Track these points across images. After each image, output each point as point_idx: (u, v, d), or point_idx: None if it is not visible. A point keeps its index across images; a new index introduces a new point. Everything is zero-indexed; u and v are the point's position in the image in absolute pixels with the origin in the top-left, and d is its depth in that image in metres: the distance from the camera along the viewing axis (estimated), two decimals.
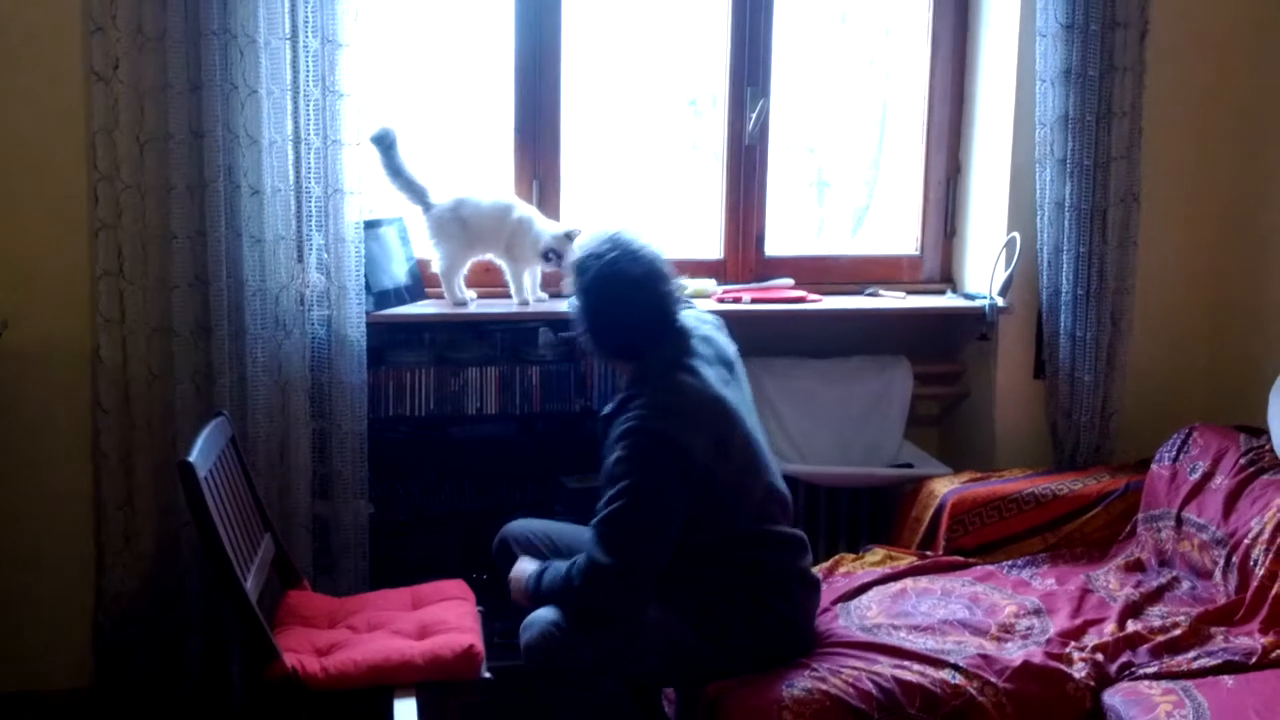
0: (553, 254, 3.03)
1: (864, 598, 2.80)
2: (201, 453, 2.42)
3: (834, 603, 2.78)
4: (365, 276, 2.94)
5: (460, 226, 3.05)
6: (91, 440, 2.90)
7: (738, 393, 2.59)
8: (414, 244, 3.18)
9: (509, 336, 3.22)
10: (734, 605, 2.47)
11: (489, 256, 3.13)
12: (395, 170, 3.00)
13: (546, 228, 3.07)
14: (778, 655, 2.47)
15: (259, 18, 2.76)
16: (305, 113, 2.84)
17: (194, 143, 2.80)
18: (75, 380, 2.90)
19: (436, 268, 3.09)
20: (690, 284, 3.24)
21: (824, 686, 2.35)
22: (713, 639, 2.45)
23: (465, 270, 3.10)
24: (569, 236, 3.01)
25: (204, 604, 2.92)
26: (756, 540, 2.52)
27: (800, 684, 2.36)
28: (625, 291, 2.47)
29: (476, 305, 3.13)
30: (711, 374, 2.52)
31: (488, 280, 3.20)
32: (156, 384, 2.89)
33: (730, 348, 2.68)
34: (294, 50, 2.82)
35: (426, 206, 3.05)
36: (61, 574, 2.96)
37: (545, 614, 2.40)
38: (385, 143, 2.97)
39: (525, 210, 3.10)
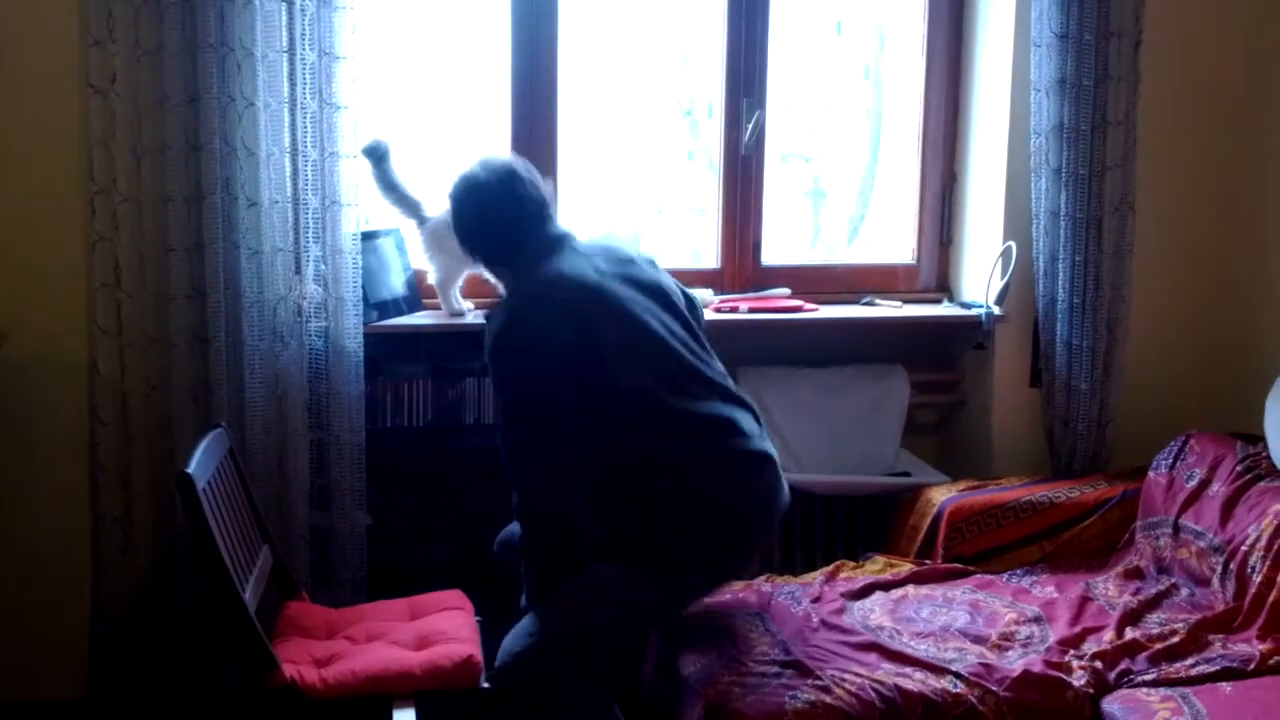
0: None
1: (868, 600, 2.81)
2: (200, 464, 2.42)
3: (841, 597, 2.79)
4: (363, 288, 2.95)
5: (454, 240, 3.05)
6: (89, 452, 2.90)
7: (645, 300, 2.52)
8: (411, 255, 3.19)
9: None
10: (669, 520, 2.42)
11: (481, 270, 3.13)
12: (388, 184, 3.00)
13: None
14: (739, 546, 2.46)
15: (256, 31, 2.77)
16: (302, 125, 2.85)
17: (191, 155, 2.81)
18: (72, 392, 2.90)
19: (432, 279, 3.10)
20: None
21: (827, 699, 2.35)
22: (663, 568, 2.40)
23: (461, 282, 3.11)
24: None
25: (202, 615, 2.92)
26: (675, 429, 2.44)
27: (803, 695, 2.36)
28: (481, 194, 2.57)
29: (474, 315, 3.13)
30: (587, 266, 2.50)
31: (484, 291, 3.20)
32: (154, 396, 2.89)
33: (664, 279, 2.64)
34: (291, 63, 2.83)
35: (421, 220, 3.05)
36: (59, 585, 2.96)
37: (516, 631, 2.39)
38: (377, 155, 2.97)
39: None
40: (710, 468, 2.46)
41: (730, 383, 2.60)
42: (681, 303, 2.64)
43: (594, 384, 2.39)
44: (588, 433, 2.40)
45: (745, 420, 2.54)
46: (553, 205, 2.63)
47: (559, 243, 2.56)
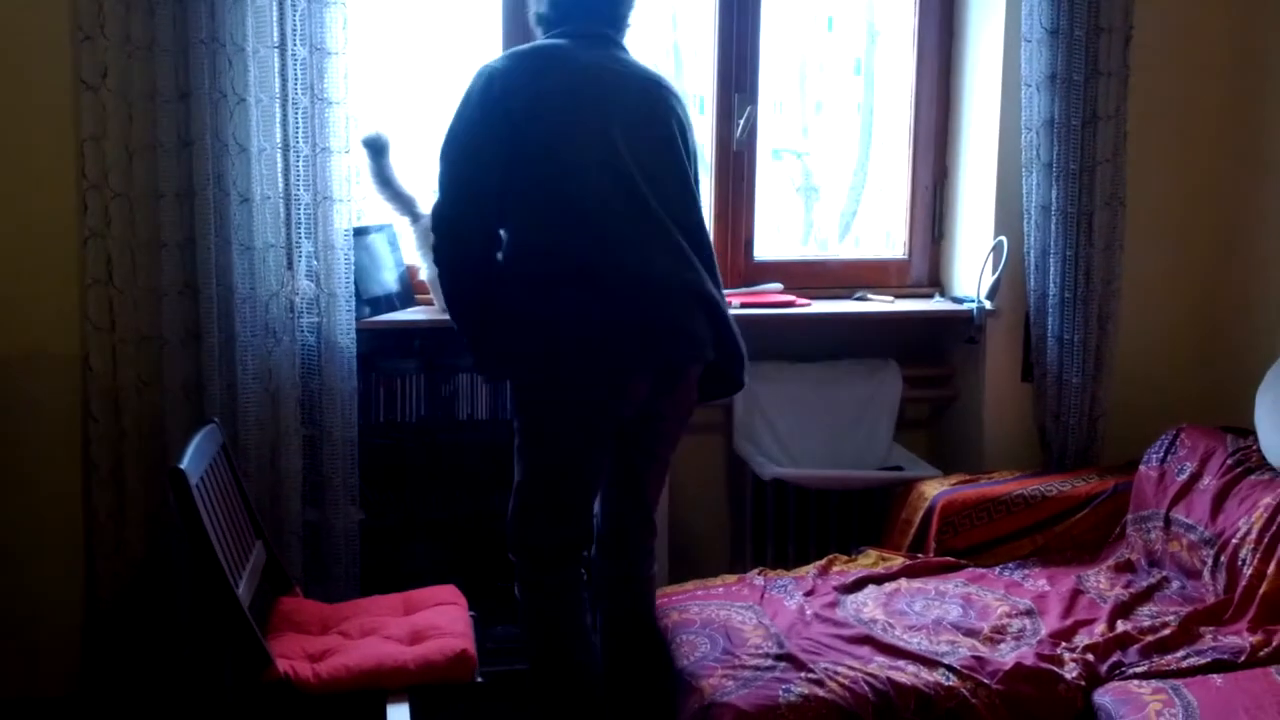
0: None
1: (861, 594, 2.82)
2: (192, 460, 2.42)
3: (834, 590, 2.81)
4: (355, 283, 2.95)
5: None
6: (81, 448, 2.90)
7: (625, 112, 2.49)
8: (403, 251, 3.19)
9: None
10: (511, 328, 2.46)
11: None
12: (384, 179, 2.99)
13: None
14: (579, 359, 2.43)
15: (247, 26, 2.76)
16: (294, 120, 2.85)
17: (183, 151, 2.81)
18: (65, 389, 2.89)
19: (424, 276, 3.10)
20: None
21: (820, 692, 2.36)
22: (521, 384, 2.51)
23: None
24: None
25: (195, 611, 2.91)
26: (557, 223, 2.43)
27: (797, 689, 2.37)
28: None
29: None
30: (579, 48, 2.49)
31: None
32: (146, 392, 2.89)
33: (682, 113, 2.58)
34: (283, 58, 2.83)
35: (414, 217, 3.05)
36: (52, 582, 2.96)
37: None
38: (376, 147, 2.97)
39: None
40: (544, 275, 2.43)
41: (684, 239, 2.49)
42: (683, 145, 2.55)
43: (516, 127, 2.40)
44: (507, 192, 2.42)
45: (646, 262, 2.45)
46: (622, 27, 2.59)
47: (597, 38, 2.53)
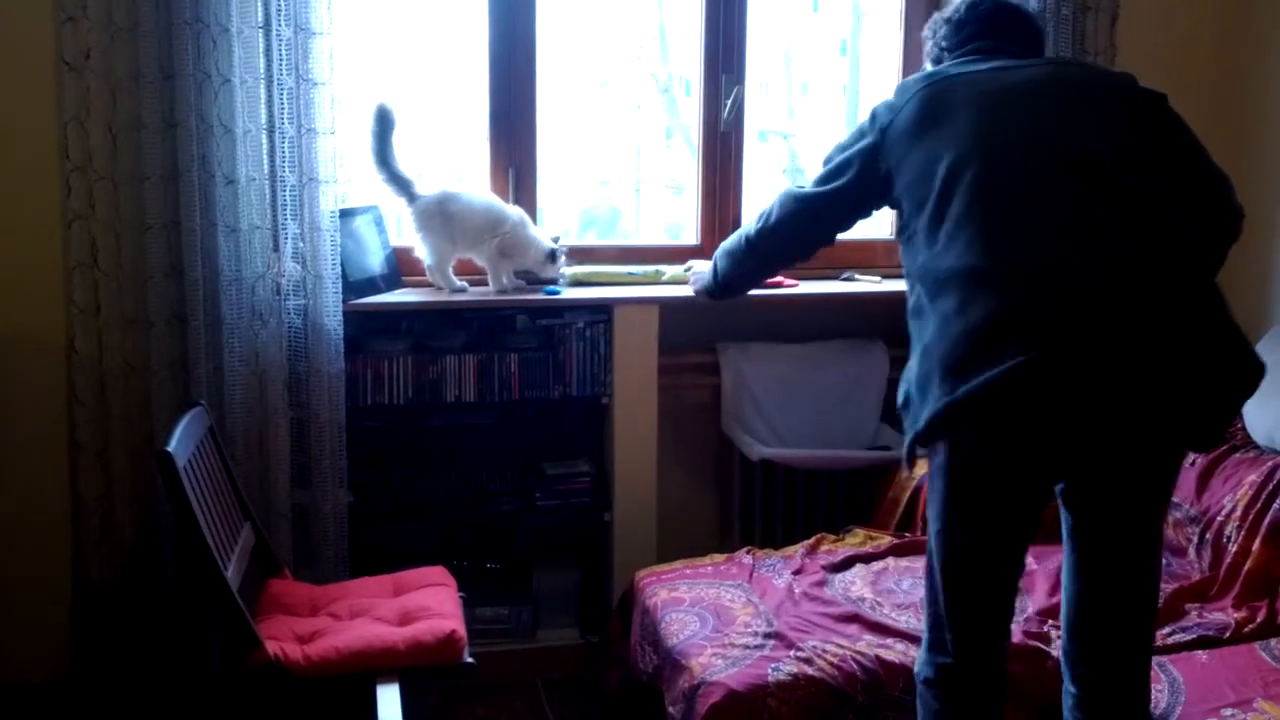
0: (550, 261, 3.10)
1: (849, 573, 2.83)
2: (180, 443, 2.41)
3: (822, 569, 2.81)
4: (341, 265, 2.94)
5: (445, 221, 3.05)
6: (68, 432, 2.88)
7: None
8: (390, 232, 3.18)
9: (487, 324, 3.22)
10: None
11: (470, 256, 3.13)
12: (383, 158, 2.99)
13: (539, 236, 3.12)
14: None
15: (231, 6, 2.74)
16: (279, 101, 2.83)
17: (167, 132, 2.79)
18: (50, 373, 2.88)
19: (424, 259, 3.10)
20: (667, 270, 3.25)
21: (809, 670, 2.37)
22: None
23: (453, 261, 3.11)
24: (556, 253, 3.11)
25: (184, 594, 2.91)
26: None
27: (785, 668, 2.38)
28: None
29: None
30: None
31: (461, 268, 3.20)
32: (133, 375, 2.87)
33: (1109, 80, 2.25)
34: (267, 39, 2.81)
35: (411, 198, 3.04)
36: (40, 566, 2.94)
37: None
38: (384, 121, 2.96)
39: (518, 214, 3.13)
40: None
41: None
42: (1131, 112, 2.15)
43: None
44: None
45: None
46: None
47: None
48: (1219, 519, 2.77)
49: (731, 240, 2.68)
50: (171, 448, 2.35)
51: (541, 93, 3.27)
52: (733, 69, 3.37)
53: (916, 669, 2.16)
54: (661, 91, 3.70)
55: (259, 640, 2.37)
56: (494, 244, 3.08)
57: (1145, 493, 2.06)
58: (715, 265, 2.75)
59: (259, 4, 2.78)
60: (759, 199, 3.56)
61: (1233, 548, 2.71)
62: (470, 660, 2.52)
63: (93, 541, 2.89)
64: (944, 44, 2.35)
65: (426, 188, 3.06)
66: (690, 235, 3.48)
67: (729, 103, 3.36)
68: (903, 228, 2.16)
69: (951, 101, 2.12)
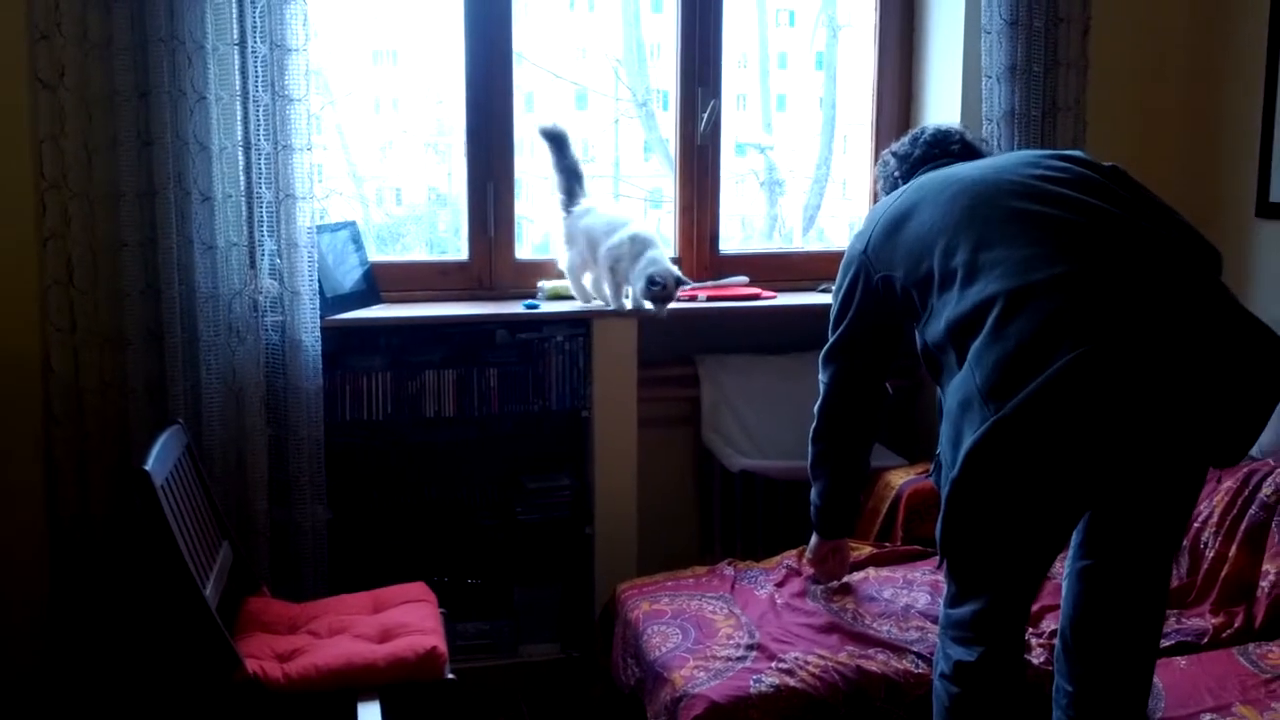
0: (657, 286, 3.02)
1: (830, 583, 2.82)
2: (157, 461, 2.40)
3: (803, 580, 2.81)
4: (319, 281, 2.93)
5: (580, 233, 3.11)
6: (45, 451, 2.86)
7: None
8: (368, 248, 3.18)
9: (466, 338, 3.21)
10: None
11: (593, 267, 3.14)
12: (567, 168, 3.11)
13: (652, 262, 3.05)
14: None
15: (207, 23, 2.74)
16: (255, 118, 2.83)
17: (143, 150, 2.78)
18: (26, 391, 2.86)
19: (561, 265, 3.18)
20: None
21: (791, 682, 2.37)
22: None
23: (585, 274, 3.16)
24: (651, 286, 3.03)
25: (162, 612, 2.89)
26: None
27: (767, 679, 2.37)
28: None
29: (428, 308, 3.13)
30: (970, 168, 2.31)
31: (443, 283, 3.19)
32: (109, 393, 2.86)
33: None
34: (243, 56, 2.81)
35: (568, 211, 3.14)
36: (16, 585, 2.91)
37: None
38: (557, 140, 3.10)
39: (632, 233, 3.07)
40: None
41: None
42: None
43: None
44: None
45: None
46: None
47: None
48: (1196, 525, 2.78)
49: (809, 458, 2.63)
50: (149, 466, 2.34)
51: (518, 107, 3.27)
52: (709, 82, 3.39)
53: (939, 668, 2.17)
54: (639, 105, 3.70)
55: (238, 659, 2.36)
56: (604, 259, 3.09)
57: (1175, 508, 2.11)
58: (812, 505, 2.69)
59: (234, 21, 2.78)
60: (736, 211, 3.58)
61: (1210, 554, 2.73)
62: (452, 676, 2.51)
63: (69, 560, 2.87)
64: (896, 173, 2.55)
65: (588, 203, 3.15)
66: (669, 248, 3.49)
67: (705, 116, 3.38)
68: (924, 316, 2.17)
69: (919, 201, 2.24)
